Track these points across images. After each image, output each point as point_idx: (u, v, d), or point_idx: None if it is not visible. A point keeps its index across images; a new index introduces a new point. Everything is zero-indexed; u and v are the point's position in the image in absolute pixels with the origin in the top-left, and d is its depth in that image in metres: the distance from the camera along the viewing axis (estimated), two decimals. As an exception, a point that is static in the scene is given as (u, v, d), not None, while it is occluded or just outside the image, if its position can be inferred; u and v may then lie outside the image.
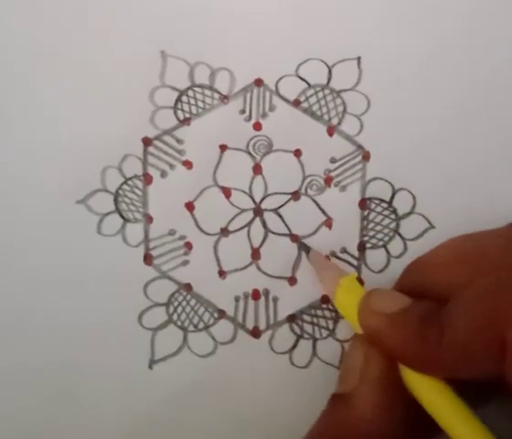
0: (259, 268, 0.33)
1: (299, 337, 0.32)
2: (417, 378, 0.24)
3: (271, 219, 0.33)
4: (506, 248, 0.24)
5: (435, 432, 0.24)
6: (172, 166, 0.33)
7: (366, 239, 0.33)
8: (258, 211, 0.33)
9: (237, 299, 0.33)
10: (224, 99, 0.33)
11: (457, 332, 0.22)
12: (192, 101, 0.33)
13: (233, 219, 0.33)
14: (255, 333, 0.33)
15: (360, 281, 0.32)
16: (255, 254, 0.33)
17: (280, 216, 0.33)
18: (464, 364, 0.23)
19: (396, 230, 0.33)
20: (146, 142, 0.33)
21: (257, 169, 0.33)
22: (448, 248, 0.27)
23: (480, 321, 0.22)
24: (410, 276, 0.28)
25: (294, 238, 0.33)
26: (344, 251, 0.33)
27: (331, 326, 0.32)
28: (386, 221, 0.33)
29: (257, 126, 0.33)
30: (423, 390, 0.24)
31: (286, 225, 0.33)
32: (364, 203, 0.33)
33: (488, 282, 0.22)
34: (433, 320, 0.23)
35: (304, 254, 0.32)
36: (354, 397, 0.25)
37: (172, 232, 0.33)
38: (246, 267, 0.33)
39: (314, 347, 0.32)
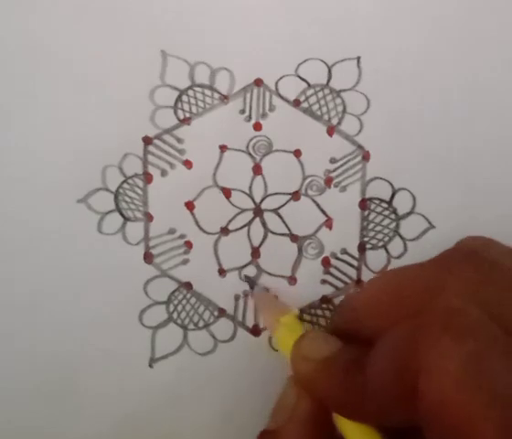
0: (259, 267, 0.33)
1: (299, 336, 0.33)
2: (347, 423, 0.24)
3: (270, 219, 0.33)
4: (427, 289, 0.23)
5: None
6: (172, 166, 0.33)
7: (366, 239, 0.33)
8: (258, 211, 0.33)
9: (237, 298, 0.33)
10: (224, 99, 0.33)
11: (376, 380, 0.22)
12: (192, 101, 0.33)
13: (233, 218, 0.33)
14: (255, 331, 0.33)
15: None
16: (255, 253, 0.33)
17: (280, 216, 0.33)
18: (383, 413, 0.22)
19: (396, 231, 0.33)
20: (147, 141, 0.33)
21: (257, 169, 0.33)
22: (377, 286, 0.26)
23: (394, 369, 0.21)
24: (343, 315, 0.27)
25: (294, 238, 0.33)
26: (344, 251, 0.33)
27: (330, 326, 0.33)
28: (386, 222, 0.33)
29: (257, 126, 0.33)
30: (352, 435, 0.24)
31: (286, 225, 0.33)
32: (364, 203, 0.33)
33: (405, 327, 0.22)
34: (358, 367, 0.23)
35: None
36: (281, 435, 0.25)
37: (172, 231, 0.33)
38: (246, 266, 0.33)
39: (313, 346, 0.32)
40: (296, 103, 0.33)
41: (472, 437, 0.18)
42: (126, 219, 0.33)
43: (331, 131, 0.33)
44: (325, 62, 0.33)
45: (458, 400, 0.19)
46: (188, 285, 0.33)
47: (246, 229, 0.33)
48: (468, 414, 0.18)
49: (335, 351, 0.25)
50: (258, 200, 0.33)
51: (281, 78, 0.33)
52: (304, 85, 0.33)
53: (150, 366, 0.32)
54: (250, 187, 0.33)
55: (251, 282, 0.32)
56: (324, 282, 0.33)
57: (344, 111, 0.33)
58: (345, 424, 0.24)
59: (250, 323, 0.33)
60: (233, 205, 0.33)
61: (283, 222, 0.33)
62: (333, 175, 0.33)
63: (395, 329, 0.22)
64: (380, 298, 0.25)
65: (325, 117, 0.33)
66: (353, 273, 0.33)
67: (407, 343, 0.21)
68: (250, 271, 0.33)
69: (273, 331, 0.29)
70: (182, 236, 0.33)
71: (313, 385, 0.25)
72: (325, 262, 0.33)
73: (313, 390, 0.25)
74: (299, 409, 0.25)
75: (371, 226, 0.33)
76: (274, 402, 0.27)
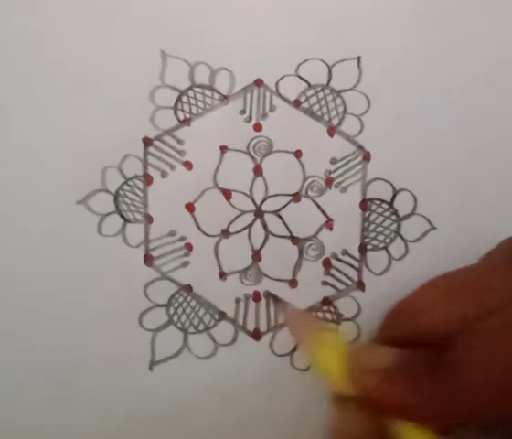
0: (259, 270, 0.33)
1: (300, 338, 0.32)
2: (412, 435, 0.24)
3: (271, 220, 0.33)
4: (505, 283, 0.23)
5: None
6: (172, 167, 0.33)
7: (367, 240, 0.33)
8: (258, 213, 0.33)
9: (237, 301, 0.33)
10: (224, 99, 0.33)
11: (474, 376, 0.22)
12: (192, 102, 0.33)
13: (234, 220, 0.33)
14: (256, 335, 0.33)
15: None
16: (256, 256, 0.33)
17: (280, 218, 0.33)
18: (487, 407, 0.22)
19: (397, 232, 0.33)
20: (147, 142, 0.33)
21: (257, 171, 0.33)
22: (430, 290, 0.26)
23: (503, 361, 0.21)
24: (391, 325, 0.27)
25: (295, 240, 0.33)
26: (345, 252, 0.33)
27: (332, 328, 0.32)
28: (387, 223, 0.33)
29: (257, 127, 0.33)
30: None
31: (287, 227, 0.33)
32: (365, 204, 0.33)
33: (500, 320, 0.22)
34: (433, 370, 0.23)
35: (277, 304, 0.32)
36: None
37: (172, 233, 0.33)
38: (247, 269, 0.33)
39: (314, 348, 0.32)
40: (297, 104, 0.33)
41: None
42: (126, 220, 0.33)
43: (332, 131, 0.33)
44: (325, 62, 0.33)
45: None
46: (189, 288, 0.33)
47: (247, 231, 0.33)
48: None
49: (399, 358, 0.24)
50: (258, 202, 0.33)
51: (281, 78, 0.33)
52: (305, 85, 0.33)
53: (150, 369, 0.32)
54: (251, 189, 0.33)
55: (275, 298, 0.32)
56: (325, 283, 0.33)
57: (344, 111, 0.33)
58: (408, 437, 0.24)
59: (250, 327, 0.33)
60: (234, 207, 0.33)
61: (284, 224, 0.33)
62: (333, 175, 0.33)
63: (486, 322, 0.22)
64: (446, 298, 0.24)
65: (326, 117, 0.33)
66: (354, 274, 0.33)
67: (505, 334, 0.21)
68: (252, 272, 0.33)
69: (313, 350, 0.27)
70: (182, 238, 0.33)
71: (381, 396, 0.24)
72: (326, 264, 0.33)
73: (381, 402, 0.24)
74: (363, 435, 0.25)
75: (372, 227, 0.33)
76: (329, 431, 0.26)
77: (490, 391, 0.21)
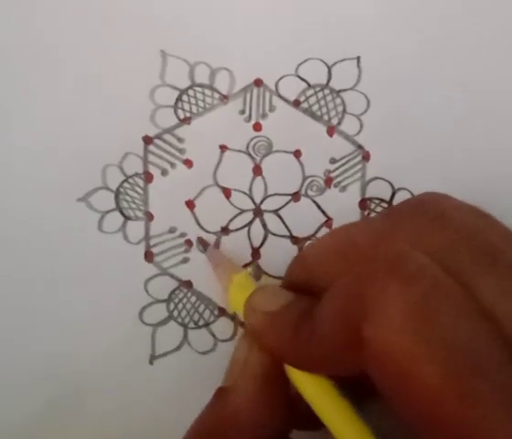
0: (259, 267, 0.33)
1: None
2: (298, 374, 0.24)
3: (271, 220, 0.33)
4: (373, 241, 0.23)
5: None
6: (172, 165, 0.33)
7: (365, 240, 0.33)
8: (258, 212, 0.33)
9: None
10: (224, 99, 0.33)
11: (324, 328, 0.22)
12: (192, 101, 0.33)
13: (233, 219, 0.33)
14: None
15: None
16: (255, 254, 0.33)
17: (280, 217, 0.33)
18: (330, 362, 0.22)
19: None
20: (147, 140, 0.33)
21: (257, 170, 0.33)
22: (327, 241, 0.26)
23: (340, 317, 0.21)
24: (295, 270, 0.28)
25: (295, 240, 0.33)
26: (343, 252, 0.33)
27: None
28: (385, 222, 0.33)
29: (257, 127, 0.33)
30: (305, 386, 0.24)
31: (286, 226, 0.33)
32: (364, 203, 0.33)
33: (351, 275, 0.22)
34: (307, 318, 0.23)
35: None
36: (234, 391, 0.25)
37: (172, 230, 0.33)
38: (246, 266, 0.33)
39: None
40: (296, 104, 0.33)
41: (416, 381, 0.18)
42: (127, 218, 0.33)
43: (331, 131, 0.33)
44: (324, 62, 0.33)
45: (402, 344, 0.19)
46: (189, 284, 0.33)
47: (246, 229, 0.33)
48: (412, 358, 0.18)
49: (285, 303, 0.25)
50: (258, 201, 0.33)
51: (281, 78, 0.33)
52: (304, 85, 0.33)
53: (150, 363, 0.33)
54: (250, 188, 0.33)
55: (205, 244, 0.32)
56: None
57: (344, 111, 0.33)
58: (297, 376, 0.24)
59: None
60: (233, 205, 0.33)
61: (284, 223, 0.33)
62: (333, 175, 0.33)
63: (342, 279, 0.22)
64: (330, 253, 0.25)
65: (325, 117, 0.33)
66: (352, 272, 0.33)
67: (352, 291, 0.21)
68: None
69: (226, 290, 0.29)
70: (182, 235, 0.33)
71: (263, 337, 0.25)
72: (325, 263, 0.33)
73: (263, 342, 0.25)
74: (250, 364, 0.25)
75: (371, 226, 0.33)
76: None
77: (331, 344, 0.22)
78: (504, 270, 0.21)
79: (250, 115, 0.33)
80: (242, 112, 0.33)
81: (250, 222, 0.33)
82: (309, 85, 0.33)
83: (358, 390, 0.23)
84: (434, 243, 0.21)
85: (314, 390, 0.24)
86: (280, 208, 0.33)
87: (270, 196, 0.33)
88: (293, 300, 0.25)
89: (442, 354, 0.18)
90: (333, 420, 0.23)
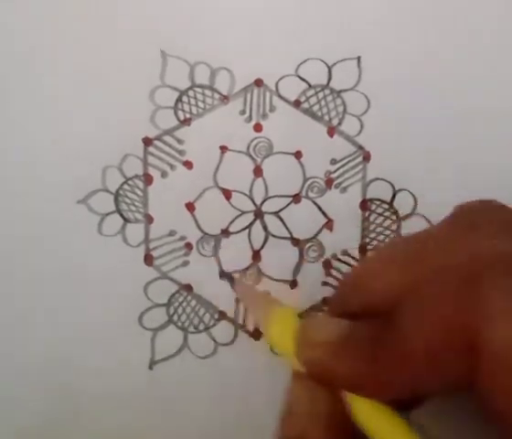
0: (259, 270, 0.33)
1: (300, 338, 0.32)
2: (365, 407, 0.22)
3: (271, 221, 0.33)
4: (443, 248, 0.22)
5: None
6: (172, 167, 0.33)
7: (367, 240, 0.33)
8: (258, 214, 0.33)
9: (237, 300, 0.33)
10: (224, 99, 0.33)
11: (415, 344, 0.21)
12: (192, 102, 0.33)
13: (233, 220, 0.33)
14: (256, 334, 0.33)
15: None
16: (256, 256, 0.33)
17: (281, 219, 0.33)
18: (428, 375, 0.21)
19: (397, 232, 0.33)
20: (147, 142, 0.33)
21: (257, 171, 0.33)
22: (385, 254, 0.24)
23: (441, 327, 0.20)
24: (347, 293, 0.25)
25: (295, 242, 0.33)
26: (345, 253, 0.33)
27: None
28: (387, 223, 0.33)
29: (257, 127, 0.33)
30: (371, 419, 0.22)
31: (287, 228, 0.33)
32: (365, 204, 0.33)
33: (440, 284, 0.20)
34: (382, 338, 0.21)
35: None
36: None
37: (172, 233, 0.33)
38: (247, 269, 0.33)
39: (314, 348, 0.32)
40: (297, 104, 0.33)
41: None
42: (126, 220, 0.33)
43: (331, 131, 0.33)
44: (325, 62, 0.33)
45: None
46: (189, 288, 0.33)
47: (247, 231, 0.33)
48: None
49: (347, 330, 0.23)
50: (258, 202, 0.33)
51: (281, 78, 0.33)
52: (305, 85, 0.33)
53: (150, 368, 0.32)
54: (251, 190, 0.33)
55: (229, 277, 0.32)
56: (325, 284, 0.33)
57: (344, 111, 0.33)
58: (363, 410, 0.23)
59: (250, 326, 0.33)
60: (233, 207, 0.33)
61: (284, 225, 0.33)
62: (333, 176, 0.33)
63: (426, 287, 0.21)
64: (391, 267, 0.23)
65: (326, 118, 0.33)
66: (354, 274, 0.33)
67: (452, 298, 0.20)
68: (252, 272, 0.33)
69: (267, 326, 0.26)
70: (182, 238, 0.33)
71: (331, 369, 0.23)
72: (327, 265, 0.33)
73: (330, 375, 0.23)
74: (317, 410, 0.23)
75: (372, 227, 0.33)
76: (284, 406, 0.25)
77: (428, 358, 0.20)
78: None
79: (250, 116, 0.33)
80: (243, 112, 0.33)
81: (251, 224, 0.33)
82: (309, 85, 0.33)
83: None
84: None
85: (382, 422, 0.22)
86: (281, 210, 0.33)
87: (270, 197, 0.33)
88: (355, 325, 0.23)
89: None
90: None
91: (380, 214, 0.33)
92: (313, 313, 0.32)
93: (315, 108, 0.33)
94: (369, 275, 0.24)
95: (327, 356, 0.23)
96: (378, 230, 0.33)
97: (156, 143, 0.33)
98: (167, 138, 0.33)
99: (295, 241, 0.33)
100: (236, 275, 0.32)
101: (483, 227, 0.22)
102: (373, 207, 0.33)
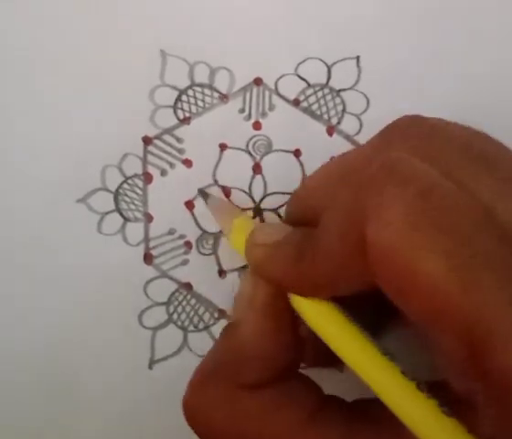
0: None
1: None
2: (303, 303, 0.24)
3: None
4: (369, 158, 0.23)
5: (333, 359, 0.24)
6: (172, 165, 0.33)
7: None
8: (257, 211, 0.33)
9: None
10: (224, 98, 0.33)
11: (325, 246, 0.22)
12: (192, 101, 0.33)
13: (233, 218, 0.33)
14: (255, 332, 0.32)
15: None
16: (255, 254, 0.33)
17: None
18: (336, 279, 0.22)
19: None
20: (146, 141, 0.33)
21: (257, 169, 0.33)
22: (324, 170, 0.27)
23: (342, 227, 0.21)
24: (293, 206, 0.28)
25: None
26: (343, 250, 0.33)
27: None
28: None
29: (256, 126, 0.33)
30: (311, 313, 0.24)
31: (286, 225, 0.33)
32: (364, 203, 0.33)
33: (350, 188, 0.22)
34: (309, 240, 0.23)
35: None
36: (241, 324, 0.25)
37: (172, 231, 0.33)
38: (246, 266, 0.33)
39: (314, 346, 0.32)
40: (296, 103, 0.33)
41: (420, 275, 0.19)
42: (126, 219, 0.33)
43: (331, 130, 0.33)
44: (324, 62, 0.33)
45: (404, 241, 0.19)
46: (188, 286, 0.33)
47: (246, 228, 0.33)
48: (415, 253, 0.19)
49: (282, 234, 0.25)
50: (258, 199, 0.33)
51: (280, 77, 0.33)
52: (304, 84, 0.33)
53: (149, 367, 0.32)
54: (250, 187, 0.33)
55: (204, 194, 0.32)
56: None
57: (343, 110, 0.33)
58: (302, 305, 0.24)
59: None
60: (233, 204, 0.33)
61: (283, 222, 0.33)
62: (333, 174, 0.33)
63: (338, 196, 0.23)
64: (327, 180, 0.26)
65: (325, 117, 0.33)
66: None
67: (351, 202, 0.22)
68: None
69: (228, 234, 0.29)
70: (182, 236, 0.33)
71: (266, 269, 0.25)
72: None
73: (267, 273, 0.25)
74: (256, 297, 0.25)
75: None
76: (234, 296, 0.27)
77: (335, 257, 0.22)
78: (502, 175, 0.21)
79: (249, 114, 0.33)
80: (242, 110, 0.33)
81: (250, 221, 0.33)
82: (309, 84, 0.33)
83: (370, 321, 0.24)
84: (430, 153, 0.22)
85: (321, 316, 0.24)
86: (280, 207, 0.33)
87: (269, 194, 0.33)
88: (294, 229, 0.26)
89: (444, 246, 0.19)
90: (341, 345, 0.23)
91: (379, 212, 0.33)
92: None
93: (315, 107, 0.33)
94: (310, 190, 0.27)
95: (263, 256, 0.25)
96: (378, 228, 0.33)
97: (156, 141, 0.33)
98: (167, 137, 0.33)
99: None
100: (209, 191, 0.33)
101: (395, 143, 0.23)
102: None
